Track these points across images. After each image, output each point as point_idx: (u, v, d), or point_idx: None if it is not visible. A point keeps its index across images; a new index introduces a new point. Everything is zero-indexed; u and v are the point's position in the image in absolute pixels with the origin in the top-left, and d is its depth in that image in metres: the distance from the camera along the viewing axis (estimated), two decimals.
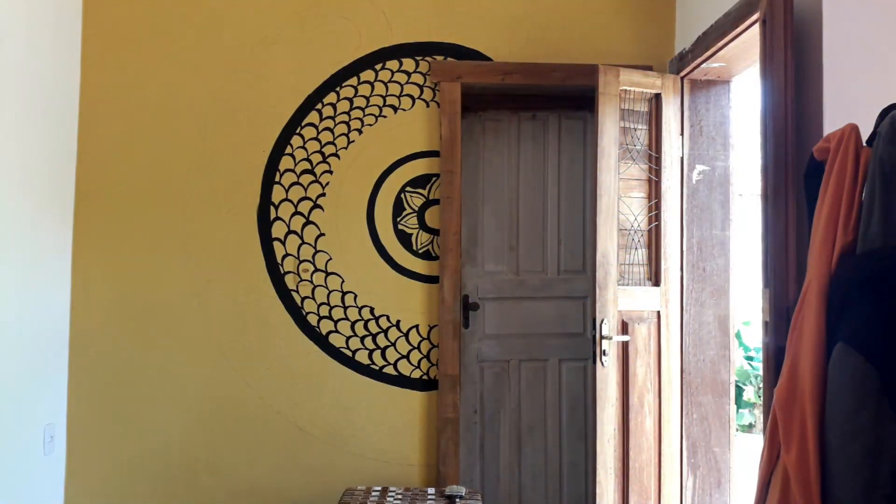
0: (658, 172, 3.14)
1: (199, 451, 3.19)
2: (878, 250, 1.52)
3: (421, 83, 3.33)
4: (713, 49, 2.86)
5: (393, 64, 3.32)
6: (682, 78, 3.18)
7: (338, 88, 3.30)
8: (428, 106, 3.32)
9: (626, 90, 3.08)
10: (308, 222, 3.27)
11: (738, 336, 5.81)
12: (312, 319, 3.26)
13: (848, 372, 1.50)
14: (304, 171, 3.28)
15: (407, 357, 3.27)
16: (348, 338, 3.27)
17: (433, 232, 3.30)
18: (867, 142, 1.65)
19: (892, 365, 1.44)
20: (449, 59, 3.33)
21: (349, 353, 3.26)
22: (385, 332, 3.28)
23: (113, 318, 3.18)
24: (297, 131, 3.28)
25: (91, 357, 3.16)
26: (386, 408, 3.24)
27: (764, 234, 2.26)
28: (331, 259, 3.27)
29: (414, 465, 3.23)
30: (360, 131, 3.30)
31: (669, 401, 3.09)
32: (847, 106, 2.09)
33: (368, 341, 3.27)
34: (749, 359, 6.07)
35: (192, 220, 3.23)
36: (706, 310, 3.16)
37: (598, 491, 2.91)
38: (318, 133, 3.29)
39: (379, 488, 3.01)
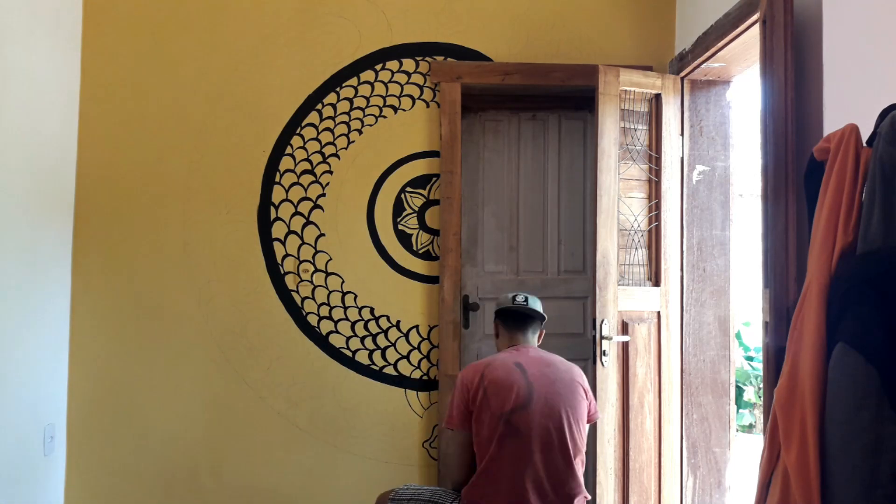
0: (658, 173, 3.14)
1: (199, 451, 3.19)
2: (879, 250, 1.52)
3: (421, 83, 3.33)
4: (713, 49, 2.87)
5: (393, 64, 3.32)
6: (682, 78, 3.18)
7: (338, 89, 3.30)
8: (428, 106, 3.33)
9: (626, 90, 3.08)
10: (308, 223, 3.28)
11: (738, 336, 5.81)
12: (312, 320, 3.26)
13: (848, 372, 1.50)
14: (305, 172, 3.28)
15: (407, 357, 3.27)
16: (348, 338, 3.27)
17: (433, 232, 3.30)
18: (867, 142, 1.64)
19: (892, 365, 1.44)
20: (449, 59, 3.33)
21: (349, 354, 3.26)
22: (385, 332, 3.28)
23: (113, 318, 3.18)
24: (298, 131, 3.28)
25: (91, 357, 3.16)
26: (386, 408, 3.25)
27: (764, 234, 2.26)
28: (331, 259, 3.27)
29: (414, 466, 3.23)
30: (360, 131, 3.30)
31: (669, 401, 3.09)
32: (847, 106, 2.09)
33: (368, 341, 3.27)
34: (749, 359, 6.07)
35: (192, 221, 3.23)
36: (706, 310, 3.16)
37: (598, 491, 2.91)
38: (319, 133, 3.29)
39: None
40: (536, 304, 2.52)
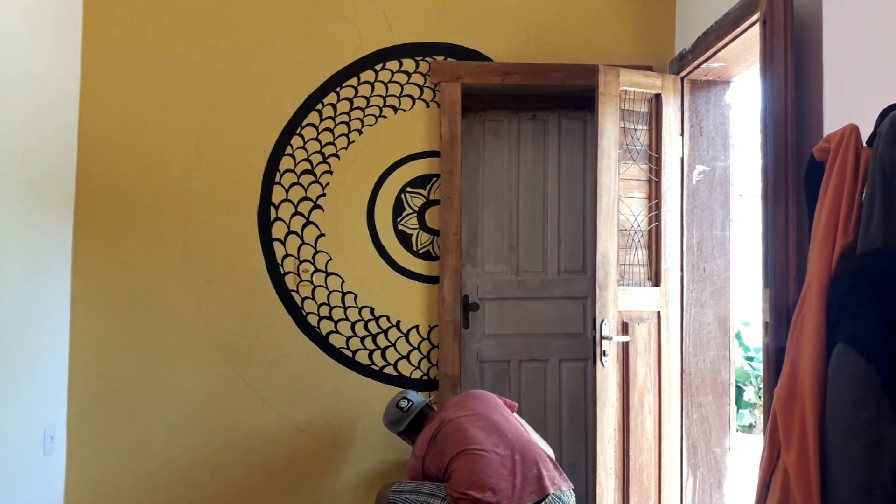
0: (658, 173, 3.14)
1: (199, 452, 3.19)
2: (879, 250, 1.52)
3: (421, 83, 3.33)
4: (713, 49, 2.87)
5: (393, 64, 3.32)
6: (682, 78, 3.18)
7: (338, 89, 3.30)
8: (428, 106, 3.33)
9: (626, 90, 3.08)
10: (308, 223, 3.27)
11: (738, 336, 5.81)
12: (312, 320, 3.26)
13: (848, 372, 1.50)
14: (305, 172, 3.28)
15: (407, 357, 3.27)
16: (348, 338, 3.27)
17: (433, 232, 3.30)
18: (867, 142, 1.65)
19: (892, 365, 1.44)
20: (449, 59, 3.33)
21: (349, 354, 3.26)
22: (385, 332, 3.28)
23: (113, 318, 3.18)
24: (298, 131, 3.28)
25: (91, 357, 3.16)
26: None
27: (764, 234, 2.26)
28: (331, 259, 3.27)
29: None
30: (360, 132, 3.30)
31: (669, 401, 3.09)
32: (847, 106, 2.10)
33: (369, 342, 3.27)
34: (749, 359, 6.06)
35: (192, 220, 3.23)
36: (706, 310, 3.16)
37: (598, 491, 2.91)
38: (319, 133, 3.29)
39: None
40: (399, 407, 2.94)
